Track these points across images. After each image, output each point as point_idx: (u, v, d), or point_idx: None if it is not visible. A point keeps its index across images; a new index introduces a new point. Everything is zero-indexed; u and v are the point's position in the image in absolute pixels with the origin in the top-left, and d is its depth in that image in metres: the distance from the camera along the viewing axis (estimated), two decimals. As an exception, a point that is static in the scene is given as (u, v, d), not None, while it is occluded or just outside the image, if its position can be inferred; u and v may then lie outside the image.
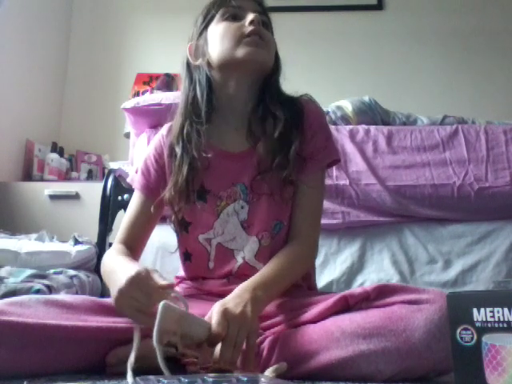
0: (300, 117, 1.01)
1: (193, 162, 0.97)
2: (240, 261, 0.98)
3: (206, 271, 1.00)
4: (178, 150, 0.99)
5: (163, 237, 1.54)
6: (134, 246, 1.00)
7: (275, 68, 1.03)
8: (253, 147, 0.99)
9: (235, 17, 0.99)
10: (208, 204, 0.99)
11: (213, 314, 0.75)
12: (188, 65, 1.05)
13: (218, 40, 0.98)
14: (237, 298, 0.79)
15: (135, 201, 1.05)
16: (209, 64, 1.00)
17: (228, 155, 1.01)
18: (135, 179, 1.07)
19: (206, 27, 1.02)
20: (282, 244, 0.98)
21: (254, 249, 0.97)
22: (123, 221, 1.04)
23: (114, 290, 0.78)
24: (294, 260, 0.93)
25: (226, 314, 0.74)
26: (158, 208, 1.03)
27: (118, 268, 0.84)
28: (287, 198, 0.97)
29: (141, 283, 0.75)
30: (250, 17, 0.97)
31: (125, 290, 0.75)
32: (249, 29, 0.96)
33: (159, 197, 1.01)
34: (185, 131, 1.00)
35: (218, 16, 1.00)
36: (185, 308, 0.74)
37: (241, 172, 0.99)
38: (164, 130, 1.09)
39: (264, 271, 0.88)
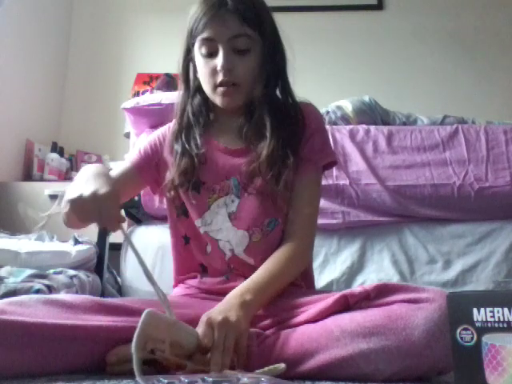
0: (297, 121, 1.02)
1: (190, 158, 1.01)
2: (228, 254, 1.00)
3: (204, 255, 1.02)
4: (178, 147, 1.03)
5: (163, 237, 1.54)
6: None
7: (272, 77, 1.03)
8: (248, 146, 1.01)
9: (210, 52, 0.98)
10: (201, 196, 1.02)
11: (199, 324, 0.76)
12: (183, 70, 1.07)
13: (199, 74, 1.02)
14: (222, 305, 0.81)
15: (121, 166, 1.09)
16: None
17: (224, 150, 1.04)
18: (132, 156, 1.11)
19: (193, 45, 1.02)
20: (277, 241, 0.99)
21: (243, 243, 0.99)
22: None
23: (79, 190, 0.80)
24: (289, 260, 0.93)
25: (209, 322, 0.75)
26: (140, 184, 1.10)
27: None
28: (281, 200, 0.98)
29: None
30: (219, 63, 0.97)
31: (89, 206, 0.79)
32: (218, 78, 0.98)
33: (145, 174, 1.07)
34: (183, 133, 1.04)
35: (196, 44, 1.00)
36: (170, 315, 0.74)
37: (235, 167, 1.01)
38: (171, 124, 1.12)
39: (256, 274, 0.89)
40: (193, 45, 1.02)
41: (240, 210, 0.99)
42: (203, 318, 0.77)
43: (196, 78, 1.04)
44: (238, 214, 1.00)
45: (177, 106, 1.08)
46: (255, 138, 1.00)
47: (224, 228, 1.00)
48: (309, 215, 1.01)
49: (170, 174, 1.03)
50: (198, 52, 1.00)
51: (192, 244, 1.05)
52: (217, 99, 1.01)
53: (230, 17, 0.96)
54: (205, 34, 0.98)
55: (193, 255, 1.05)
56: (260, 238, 0.99)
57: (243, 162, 1.00)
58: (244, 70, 0.99)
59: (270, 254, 0.96)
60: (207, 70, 0.99)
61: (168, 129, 1.11)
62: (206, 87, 1.01)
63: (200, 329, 0.75)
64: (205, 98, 1.05)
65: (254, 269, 0.94)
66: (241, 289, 0.85)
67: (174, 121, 1.11)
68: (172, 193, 1.03)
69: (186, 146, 1.02)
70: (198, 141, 1.03)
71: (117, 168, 1.10)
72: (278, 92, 1.05)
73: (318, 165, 1.04)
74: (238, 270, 0.99)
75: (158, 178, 1.08)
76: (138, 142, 1.81)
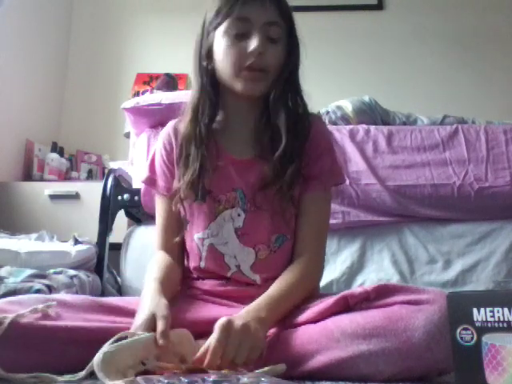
0: (307, 135, 1.00)
1: (200, 165, 0.97)
2: (234, 269, 0.97)
3: (198, 270, 1.00)
4: (191, 148, 0.98)
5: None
6: (172, 248, 1.02)
7: (283, 78, 1.00)
8: (257, 156, 0.99)
9: (241, 33, 0.94)
10: (206, 205, 0.98)
11: (215, 327, 0.74)
12: (197, 58, 1.01)
13: (222, 57, 0.96)
14: (241, 316, 0.79)
15: (161, 205, 1.05)
16: (216, 67, 0.98)
17: (232, 160, 1.00)
18: (158, 185, 1.05)
19: (215, 28, 0.97)
20: (285, 257, 0.98)
21: (249, 260, 0.97)
22: (156, 227, 1.05)
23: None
24: (300, 279, 0.92)
25: (227, 327, 0.73)
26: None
27: (143, 300, 0.85)
28: (288, 215, 0.97)
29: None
30: (252, 45, 0.93)
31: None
32: (249, 60, 0.93)
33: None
34: (197, 130, 0.98)
35: (224, 25, 0.95)
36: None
37: (242, 179, 0.98)
38: (169, 128, 1.06)
39: (270, 292, 0.88)
40: (217, 26, 0.96)
41: (247, 226, 0.97)
42: (221, 322, 0.74)
43: (208, 71, 0.98)
44: (244, 230, 0.97)
45: (190, 103, 1.01)
46: (269, 149, 0.97)
47: (230, 242, 0.97)
48: (318, 233, 1.00)
49: (176, 184, 0.99)
50: (225, 33, 0.94)
51: (190, 259, 1.03)
52: (239, 84, 0.95)
53: (269, 2, 0.94)
54: (241, 14, 0.93)
55: (191, 269, 1.03)
56: (267, 255, 0.97)
57: (251, 174, 0.97)
58: (273, 58, 0.95)
59: (275, 272, 0.95)
60: (234, 51, 0.94)
61: (168, 136, 1.05)
62: (229, 70, 0.95)
63: (215, 331, 0.73)
64: (216, 96, 1.00)
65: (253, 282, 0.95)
66: (256, 306, 0.83)
67: (172, 123, 1.06)
68: (178, 206, 0.99)
69: (198, 151, 0.97)
70: (213, 147, 0.98)
71: (158, 212, 1.05)
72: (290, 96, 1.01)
73: (326, 185, 1.02)
74: (239, 279, 0.98)
75: None
76: (139, 143, 1.81)
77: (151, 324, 0.75)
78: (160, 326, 0.74)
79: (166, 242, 1.02)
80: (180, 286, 1.00)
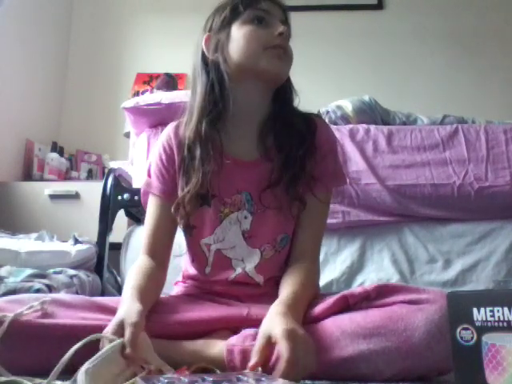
0: (313, 135, 1.00)
1: (209, 164, 0.94)
2: (239, 271, 0.97)
3: (203, 276, 0.99)
4: (197, 149, 0.96)
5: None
6: (158, 252, 0.99)
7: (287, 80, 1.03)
8: (262, 157, 0.98)
9: (262, 21, 0.97)
10: (212, 209, 0.97)
11: (277, 337, 0.70)
12: (203, 56, 1.00)
13: (243, 42, 0.96)
14: (292, 323, 0.75)
15: (153, 207, 1.01)
16: (225, 61, 0.97)
17: (237, 162, 0.99)
18: (153, 185, 1.02)
19: (229, 23, 0.98)
20: (285, 257, 0.98)
21: (254, 261, 0.96)
22: (145, 229, 1.02)
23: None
24: (307, 282, 0.91)
25: (293, 335, 0.70)
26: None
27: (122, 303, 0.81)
28: (295, 213, 0.97)
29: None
30: (280, 28, 0.95)
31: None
32: (277, 40, 0.95)
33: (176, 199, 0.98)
34: (203, 129, 0.96)
35: (244, 15, 0.97)
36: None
37: (247, 181, 0.98)
38: (170, 130, 1.04)
39: (283, 297, 0.84)
40: (234, 18, 0.97)
41: (254, 228, 0.96)
42: (282, 330, 0.70)
43: (217, 66, 0.97)
44: (252, 233, 0.96)
45: (197, 102, 0.98)
46: (273, 149, 0.97)
47: (238, 246, 0.97)
48: (317, 234, 1.01)
49: (180, 193, 0.96)
50: (246, 22, 0.96)
51: (195, 264, 1.01)
52: (264, 61, 0.95)
53: (279, 4, 1.01)
54: (263, 6, 0.97)
55: (196, 273, 1.01)
56: (271, 255, 0.97)
57: (257, 175, 0.97)
58: (291, 50, 1.00)
59: (277, 272, 0.95)
60: (261, 33, 0.95)
61: (169, 138, 1.03)
62: (252, 51, 0.95)
63: (281, 342, 0.69)
64: (223, 95, 0.96)
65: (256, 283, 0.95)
66: (280, 312, 0.78)
67: (173, 124, 1.04)
68: (182, 221, 0.97)
69: (206, 153, 0.95)
70: (217, 149, 0.96)
71: (149, 213, 1.01)
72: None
73: (328, 187, 1.02)
74: (243, 280, 0.97)
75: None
76: (139, 143, 1.81)
77: (119, 330, 0.72)
78: (127, 334, 0.71)
79: (153, 244, 0.99)
80: (161, 290, 0.97)
